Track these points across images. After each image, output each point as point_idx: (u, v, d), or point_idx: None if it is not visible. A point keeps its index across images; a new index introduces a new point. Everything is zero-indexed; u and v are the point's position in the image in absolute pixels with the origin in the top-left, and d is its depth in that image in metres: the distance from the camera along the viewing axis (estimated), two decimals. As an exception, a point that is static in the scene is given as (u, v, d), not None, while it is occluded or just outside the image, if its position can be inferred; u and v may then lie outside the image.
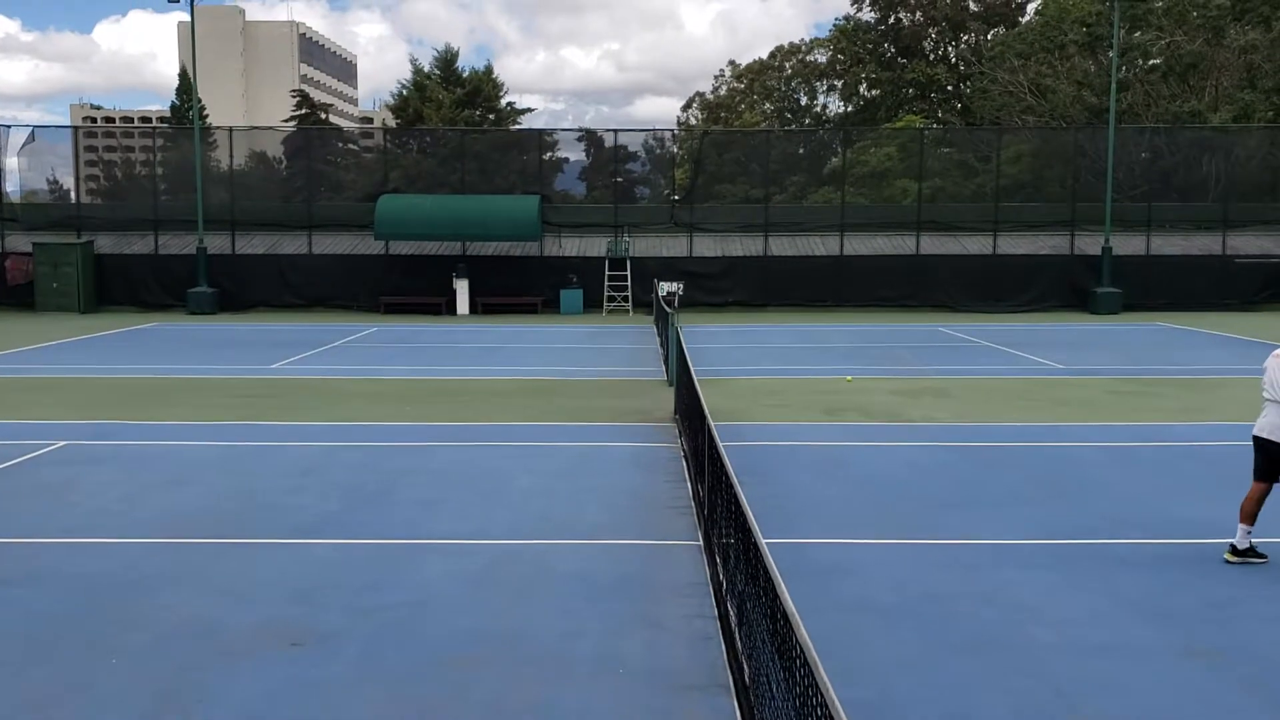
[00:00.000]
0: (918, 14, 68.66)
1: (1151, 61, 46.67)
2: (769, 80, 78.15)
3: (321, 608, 7.23)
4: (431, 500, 10.06)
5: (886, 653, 6.46)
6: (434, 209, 31.39)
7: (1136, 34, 46.55)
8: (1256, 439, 8.44)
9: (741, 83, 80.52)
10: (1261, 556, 8.11)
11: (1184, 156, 35.80)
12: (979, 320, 28.92)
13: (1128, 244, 31.97)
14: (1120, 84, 38.99)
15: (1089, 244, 31.88)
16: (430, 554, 8.41)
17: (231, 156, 34.23)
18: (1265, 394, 8.53)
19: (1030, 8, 65.42)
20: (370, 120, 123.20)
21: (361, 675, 6.19)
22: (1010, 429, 13.49)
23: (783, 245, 32.78)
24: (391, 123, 59.46)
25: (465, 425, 13.89)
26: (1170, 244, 32.72)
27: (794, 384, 17.38)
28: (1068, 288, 31.80)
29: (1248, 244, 32.75)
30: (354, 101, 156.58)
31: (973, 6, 67.77)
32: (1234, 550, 8.15)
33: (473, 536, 8.87)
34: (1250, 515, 8.13)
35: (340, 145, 42.66)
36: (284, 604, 7.32)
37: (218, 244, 32.33)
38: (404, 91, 56.65)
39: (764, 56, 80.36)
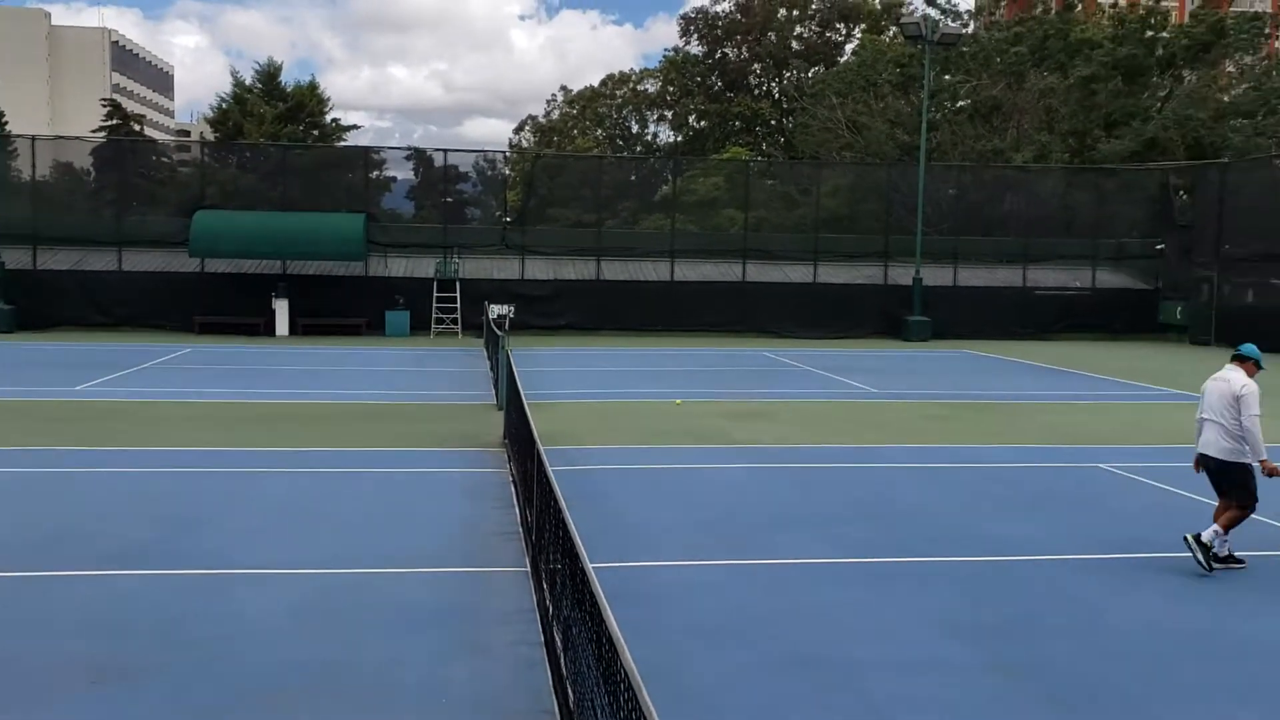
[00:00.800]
0: (744, 50, 70.72)
1: (959, 103, 49.35)
2: (601, 107, 78.97)
3: (127, 642, 6.84)
4: (248, 529, 9.68)
5: (712, 674, 6.56)
6: (253, 226, 30.36)
7: (946, 76, 49.16)
8: (1201, 455, 9.15)
9: (574, 108, 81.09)
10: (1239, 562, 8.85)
11: (988, 194, 37.99)
12: (801, 346, 29.85)
13: (937, 275, 33.63)
14: (930, 124, 41.06)
15: (901, 275, 33.38)
16: (246, 584, 8.09)
17: (34, 167, 32.26)
18: (1203, 415, 9.14)
19: (848, 48, 68.36)
20: (187, 133, 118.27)
21: (169, 712, 5.89)
22: (830, 451, 13.95)
23: (614, 270, 33.10)
24: (210, 136, 57.25)
25: (286, 451, 13.44)
26: (976, 276, 34.61)
27: (624, 408, 17.52)
28: (882, 316, 33.20)
29: (1045, 277, 34.95)
30: (170, 113, 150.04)
31: (795, 45, 70.27)
32: (1201, 542, 8.72)
33: (292, 566, 8.57)
34: (1221, 519, 8.88)
35: (154, 158, 40.76)
36: (86, 638, 6.90)
37: (17, 259, 30.39)
38: (223, 105, 54.66)
39: (595, 84, 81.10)
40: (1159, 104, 45.61)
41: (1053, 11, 50.68)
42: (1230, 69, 49.51)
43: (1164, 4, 54.99)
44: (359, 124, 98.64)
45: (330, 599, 7.81)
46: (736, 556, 9.05)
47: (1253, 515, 9.02)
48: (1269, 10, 77.38)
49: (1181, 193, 36.18)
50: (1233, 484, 8.82)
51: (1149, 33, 46.68)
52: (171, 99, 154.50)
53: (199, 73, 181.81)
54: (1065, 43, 46.83)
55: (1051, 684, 6.49)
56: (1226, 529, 8.78)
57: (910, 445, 14.52)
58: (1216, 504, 9.08)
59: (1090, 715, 6.09)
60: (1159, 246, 35.29)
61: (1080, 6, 51.48)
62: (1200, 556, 8.68)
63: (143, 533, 9.44)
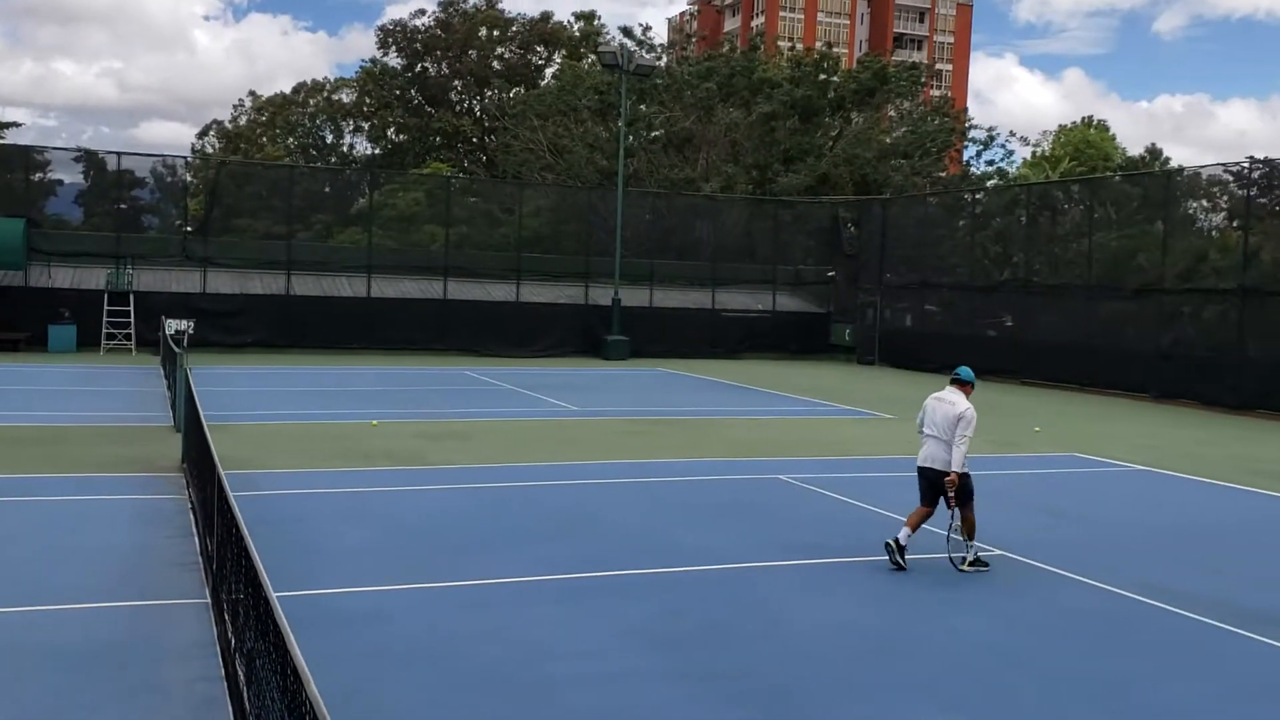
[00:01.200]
0: (444, 65, 70.30)
1: (654, 133, 51.33)
2: (292, 115, 76.03)
3: None
4: (-128, 569, 8.50)
5: (405, 700, 6.40)
6: (-113, 228, 26.94)
7: (642, 106, 51.00)
8: (920, 468, 9.81)
9: (263, 115, 77.63)
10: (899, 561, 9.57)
11: (681, 220, 39.72)
12: (502, 364, 29.91)
13: (634, 296, 34.74)
14: (627, 151, 42.43)
15: (601, 295, 34.23)
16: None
17: None
18: (925, 430, 9.84)
19: (548, 72, 69.52)
20: None
21: None
22: (527, 469, 14.02)
23: (306, 285, 31.86)
24: None
25: (-79, 479, 11.94)
26: (670, 297, 36.04)
27: (315, 428, 16.86)
28: (582, 335, 33.88)
29: (732, 300, 36.92)
30: None
31: (496, 65, 70.63)
32: (897, 543, 9.56)
33: (-74, 609, 7.60)
34: (914, 525, 9.69)
35: None
36: None
37: None
38: None
39: (287, 91, 78.03)
40: (830, 142, 49.36)
41: (738, 51, 53.78)
42: (891, 113, 54.38)
43: (835, 50, 59.67)
44: (19, 121, 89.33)
45: (-27, 644, 6.99)
46: (431, 579, 8.89)
47: (925, 525, 9.82)
48: (925, 61, 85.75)
49: (850, 225, 39.30)
50: (959, 491, 9.65)
51: (822, 76, 50.49)
52: None
53: None
54: (749, 81, 49.80)
55: (744, 687, 6.79)
56: (971, 534, 9.68)
57: (606, 461, 14.85)
58: (912, 511, 9.86)
59: (781, 716, 6.41)
60: (830, 274, 38.15)
61: (762, 48, 54.92)
62: (898, 558, 9.55)
63: None
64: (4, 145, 43.33)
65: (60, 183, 34.77)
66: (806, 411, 21.81)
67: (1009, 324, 31.99)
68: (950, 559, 9.69)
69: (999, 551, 10.33)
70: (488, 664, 7.00)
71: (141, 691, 6.33)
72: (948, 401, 9.89)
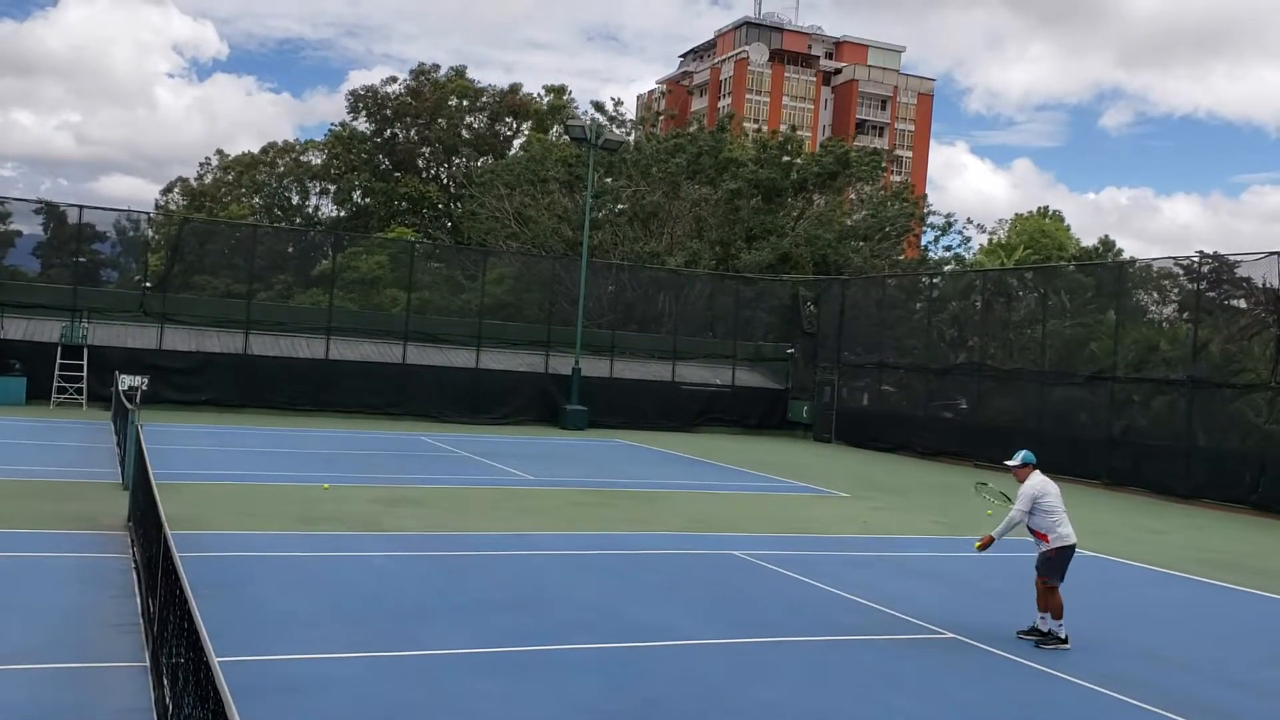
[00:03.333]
0: (413, 132, 70.91)
1: (620, 206, 51.92)
2: (259, 174, 76.16)
3: None
4: None
5: (345, 771, 6.27)
6: None
7: (610, 179, 51.63)
8: (1073, 547, 10.27)
9: (229, 174, 77.70)
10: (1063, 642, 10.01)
11: (644, 292, 40.01)
12: (460, 430, 29.75)
13: (594, 366, 34.81)
14: (593, 222, 42.86)
15: (561, 364, 34.25)
16: None
17: None
18: (1060, 510, 10.25)
19: (516, 142, 70.30)
20: None
21: None
22: (480, 538, 13.90)
23: (265, 344, 31.63)
24: None
25: None
26: (630, 369, 36.14)
27: (267, 490, 16.65)
28: (542, 403, 33.82)
29: (691, 373, 37.09)
30: None
31: (465, 134, 71.33)
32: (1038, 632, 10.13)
33: None
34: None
35: None
36: None
37: None
38: None
39: (254, 150, 78.20)
40: (793, 222, 50.16)
41: (706, 130, 54.74)
42: (852, 196, 55.44)
43: (800, 134, 60.92)
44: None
45: (-101, 704, 6.79)
46: (377, 648, 8.76)
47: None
48: (886, 147, 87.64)
49: (810, 304, 39.77)
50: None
51: (786, 158, 51.47)
52: None
53: None
54: (715, 160, 50.65)
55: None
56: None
57: (560, 532, 14.76)
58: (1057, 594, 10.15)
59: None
60: (789, 350, 38.49)
61: (729, 129, 55.95)
62: (1055, 644, 9.98)
63: None
64: (-36, 194, 42.96)
65: (19, 234, 34.50)
66: (762, 487, 21.85)
67: (963, 406, 32.35)
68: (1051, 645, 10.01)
69: (949, 634, 10.35)
70: (430, 736, 6.88)
71: (72, 757, 6.16)
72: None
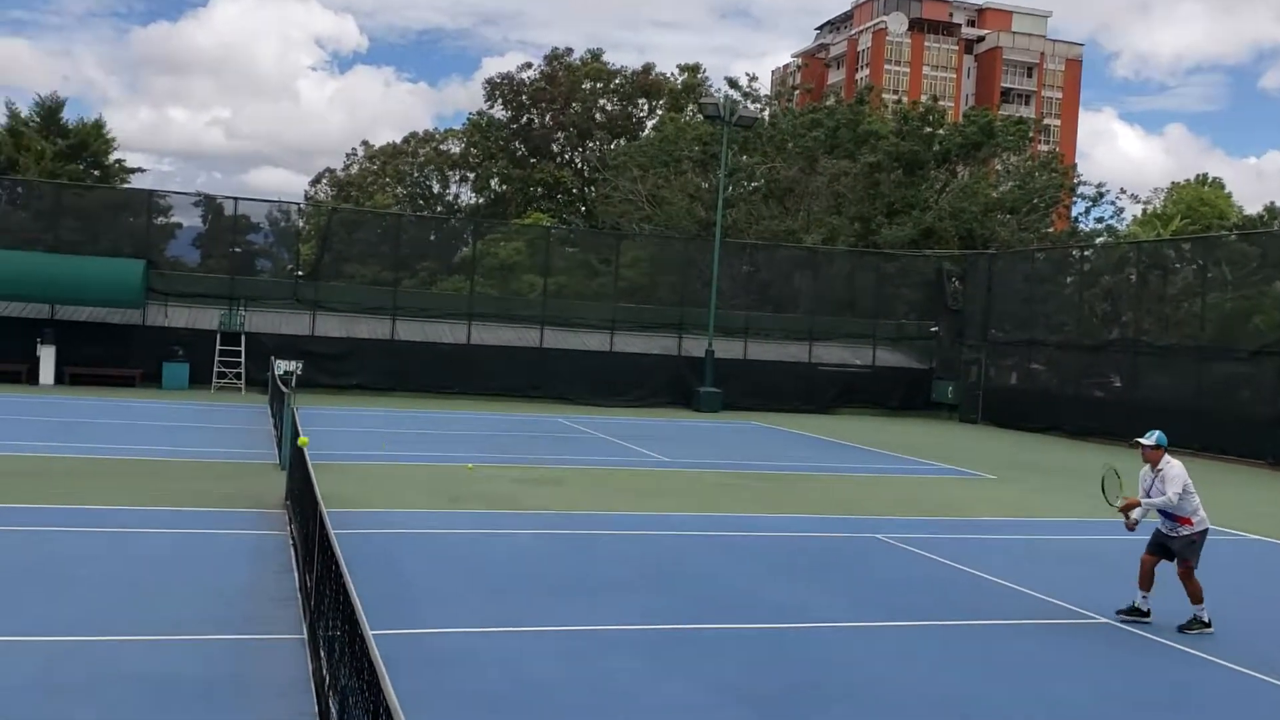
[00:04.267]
0: (548, 118, 71.72)
1: (755, 183, 51.46)
2: (402, 164, 78.23)
3: None
4: (-9, 593, 8.86)
5: (492, 745, 6.40)
6: (18, 267, 28.35)
7: (744, 157, 51.23)
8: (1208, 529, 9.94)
9: (374, 164, 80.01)
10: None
11: (780, 272, 39.60)
12: (595, 413, 30.06)
13: (728, 348, 34.65)
14: (727, 201, 42.61)
15: (695, 346, 34.22)
16: (-16, 655, 7.38)
17: None
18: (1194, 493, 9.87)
19: (650, 123, 70.37)
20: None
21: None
22: (618, 517, 14.02)
23: (410, 330, 32.55)
24: (-24, 169, 53.42)
25: (37, 508, 12.44)
26: (765, 350, 35.86)
27: (415, 471, 17.14)
28: (675, 386, 33.88)
29: (830, 353, 36.57)
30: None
31: (599, 117, 71.78)
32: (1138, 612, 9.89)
33: (28, 633, 7.86)
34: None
35: (-92, 188, 37.56)
36: None
37: None
38: (-8, 136, 51.23)
39: (396, 140, 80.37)
40: (935, 195, 48.88)
41: (843, 103, 53.78)
42: (998, 167, 53.70)
43: (941, 104, 59.28)
44: (144, 167, 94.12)
45: (72, 671, 7.21)
46: (523, 623, 8.92)
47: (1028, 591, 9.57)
48: (1033, 116, 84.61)
49: (954, 280, 38.74)
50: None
51: (927, 129, 50.15)
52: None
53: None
54: (854, 133, 49.71)
55: (826, 749, 6.64)
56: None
57: (698, 513, 14.77)
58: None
59: (862, 779, 6.25)
60: (933, 329, 37.57)
61: (868, 101, 54.83)
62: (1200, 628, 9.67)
63: None
64: (129, 189, 45.44)
65: (179, 226, 36.24)
66: (905, 470, 21.43)
67: (1117, 384, 31.08)
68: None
69: (1101, 620, 9.97)
70: (575, 713, 6.97)
71: (237, 724, 6.45)
72: None
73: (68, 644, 7.72)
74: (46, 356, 28.31)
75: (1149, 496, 9.90)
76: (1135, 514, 9.97)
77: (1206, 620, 9.67)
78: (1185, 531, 9.82)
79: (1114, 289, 33.45)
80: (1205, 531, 9.90)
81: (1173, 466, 9.92)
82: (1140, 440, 10.14)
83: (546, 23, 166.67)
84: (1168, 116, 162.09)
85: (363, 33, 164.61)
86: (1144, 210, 59.73)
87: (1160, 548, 9.95)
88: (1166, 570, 9.87)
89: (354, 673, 5.10)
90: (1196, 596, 9.72)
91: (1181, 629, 9.63)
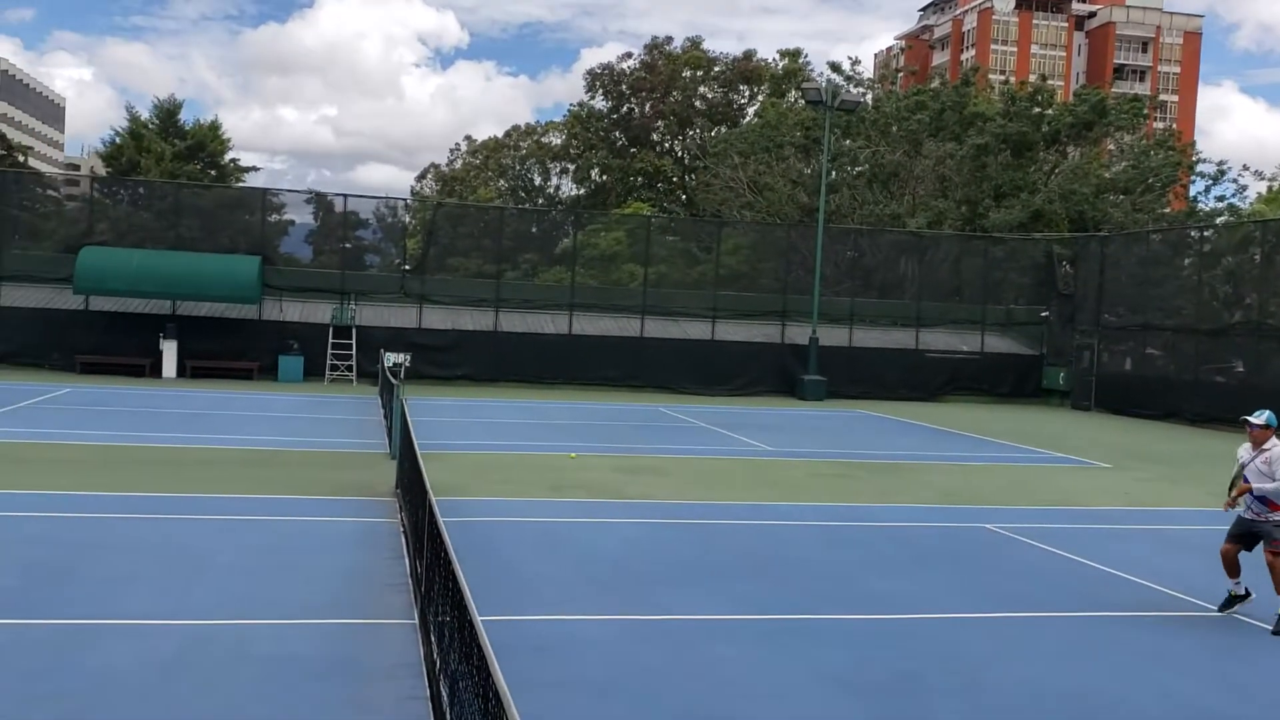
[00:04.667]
0: (648, 107, 71.76)
1: (858, 168, 50.74)
2: (504, 158, 79.16)
3: (-17, 698, 6.47)
4: (121, 577, 9.28)
5: (599, 730, 6.48)
6: (142, 264, 29.54)
7: (847, 141, 50.54)
8: None
9: (477, 158, 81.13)
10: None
11: (884, 257, 38.99)
12: (697, 402, 30.06)
13: (832, 335, 34.28)
14: (830, 186, 42.11)
15: (798, 334, 33.94)
16: (116, 636, 7.74)
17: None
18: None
19: (750, 110, 69.90)
20: (76, 167, 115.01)
21: (26, 774, 5.57)
22: (722, 507, 14.01)
23: (513, 321, 32.98)
24: (101, 171, 55.77)
25: (165, 496, 12.97)
26: (870, 337, 35.37)
27: (519, 460, 17.38)
28: (778, 374, 33.65)
29: (937, 340, 35.89)
30: (60, 146, 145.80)
31: (699, 105, 71.55)
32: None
33: (165, 617, 8.23)
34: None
35: (40, 190, 39.44)
36: (-64, 695, 6.50)
37: (-116, 289, 29.03)
38: (117, 140, 53.40)
39: (499, 135, 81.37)
40: (1045, 177, 47.56)
41: (948, 86, 52.64)
42: (1111, 147, 51.95)
43: (1051, 83, 57.57)
44: (257, 166, 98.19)
45: (207, 652, 7.52)
46: (627, 611, 8.99)
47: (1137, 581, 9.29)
48: (1148, 92, 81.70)
49: (1065, 263, 37.66)
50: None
51: (1036, 110, 48.77)
52: (62, 131, 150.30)
53: (81, 106, 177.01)
54: (960, 115, 48.62)
55: (935, 741, 6.56)
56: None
57: (802, 503, 14.67)
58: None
59: (972, 772, 6.16)
60: (1044, 314, 36.59)
61: (974, 82, 53.57)
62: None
63: (7, 580, 8.98)
64: (244, 188, 46.93)
65: (292, 223, 37.34)
66: (1015, 458, 20.96)
67: (1239, 369, 29.86)
68: None
69: (1224, 613, 9.62)
70: (681, 700, 7.01)
71: (350, 707, 6.65)
72: None
73: (203, 627, 8.05)
74: (169, 350, 29.45)
75: (1245, 474, 9.42)
76: (1244, 500, 9.47)
77: None
78: (1276, 518, 9.32)
79: (1236, 270, 32.12)
80: None
81: (1277, 449, 9.42)
82: (1249, 419, 9.68)
83: (645, 12, 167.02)
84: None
85: (464, 28, 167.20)
86: (1269, 187, 57.12)
87: (1240, 537, 9.51)
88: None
89: (463, 658, 5.21)
90: None
91: (1276, 631, 9.11)
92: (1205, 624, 9.41)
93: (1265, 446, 9.47)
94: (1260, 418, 9.60)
